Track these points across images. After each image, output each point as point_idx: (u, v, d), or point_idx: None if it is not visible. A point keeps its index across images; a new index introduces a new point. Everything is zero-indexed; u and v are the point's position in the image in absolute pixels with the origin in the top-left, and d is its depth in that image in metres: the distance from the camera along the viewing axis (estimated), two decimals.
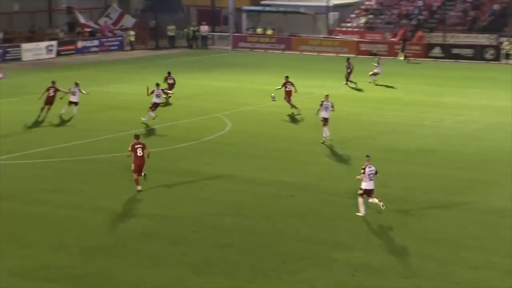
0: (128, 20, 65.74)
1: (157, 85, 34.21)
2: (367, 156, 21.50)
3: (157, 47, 64.20)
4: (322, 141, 29.92)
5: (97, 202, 22.75)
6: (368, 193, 21.17)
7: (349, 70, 43.68)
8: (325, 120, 30.05)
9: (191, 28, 65.39)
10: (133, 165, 23.49)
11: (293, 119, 34.98)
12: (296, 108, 35.45)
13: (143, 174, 23.62)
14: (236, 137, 31.37)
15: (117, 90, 40.76)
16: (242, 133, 32.16)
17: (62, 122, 33.72)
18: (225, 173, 25.83)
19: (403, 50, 57.21)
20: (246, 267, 17.98)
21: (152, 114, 33.21)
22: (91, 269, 17.76)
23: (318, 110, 30.09)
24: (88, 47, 60.00)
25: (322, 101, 30.27)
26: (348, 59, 44.89)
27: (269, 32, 65.29)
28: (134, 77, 46.67)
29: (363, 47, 59.41)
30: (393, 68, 49.67)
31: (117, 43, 62.50)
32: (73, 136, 30.60)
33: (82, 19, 62.89)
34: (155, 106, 33.43)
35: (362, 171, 21.10)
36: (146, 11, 69.49)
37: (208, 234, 20.07)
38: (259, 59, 58.45)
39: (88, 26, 62.94)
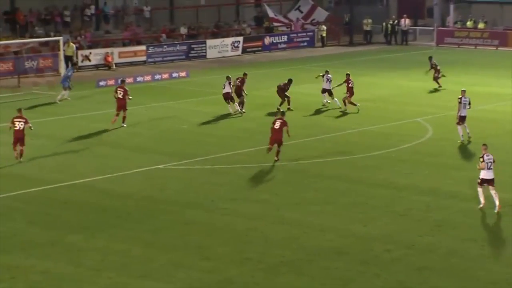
0: (320, 14, 66.52)
1: (327, 71, 38.21)
2: (484, 144, 23.08)
3: (351, 43, 64.53)
4: (460, 141, 30.59)
5: (281, 213, 23.28)
6: (488, 182, 22.59)
7: (436, 71, 42.72)
8: (463, 119, 30.53)
9: (390, 22, 65.10)
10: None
11: (501, 126, 33.93)
12: (355, 105, 36.63)
13: (275, 158, 27.74)
14: (438, 146, 30.95)
15: (306, 90, 41.42)
16: (445, 141, 31.66)
17: (247, 127, 34.80)
18: (424, 186, 25.58)
19: None
20: None
21: (331, 100, 37.16)
22: (275, 287, 18.23)
23: (458, 108, 30.59)
24: (276, 44, 61.28)
25: (460, 98, 30.67)
26: (430, 57, 43.76)
27: (481, 25, 63.64)
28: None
29: None
30: None
31: (307, 39, 63.40)
32: (257, 141, 31.39)
33: (271, 13, 64.38)
34: (324, 91, 37.75)
35: (481, 159, 22.69)
36: (340, 3, 70.07)
37: (403, 254, 19.99)
38: (468, 56, 57.18)
39: (277, 21, 64.37)
